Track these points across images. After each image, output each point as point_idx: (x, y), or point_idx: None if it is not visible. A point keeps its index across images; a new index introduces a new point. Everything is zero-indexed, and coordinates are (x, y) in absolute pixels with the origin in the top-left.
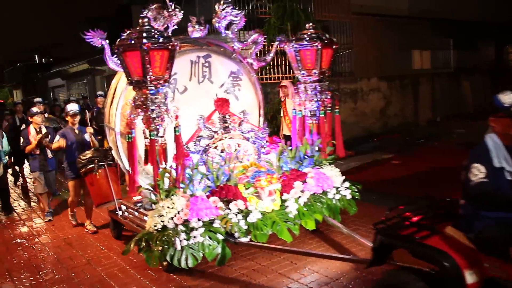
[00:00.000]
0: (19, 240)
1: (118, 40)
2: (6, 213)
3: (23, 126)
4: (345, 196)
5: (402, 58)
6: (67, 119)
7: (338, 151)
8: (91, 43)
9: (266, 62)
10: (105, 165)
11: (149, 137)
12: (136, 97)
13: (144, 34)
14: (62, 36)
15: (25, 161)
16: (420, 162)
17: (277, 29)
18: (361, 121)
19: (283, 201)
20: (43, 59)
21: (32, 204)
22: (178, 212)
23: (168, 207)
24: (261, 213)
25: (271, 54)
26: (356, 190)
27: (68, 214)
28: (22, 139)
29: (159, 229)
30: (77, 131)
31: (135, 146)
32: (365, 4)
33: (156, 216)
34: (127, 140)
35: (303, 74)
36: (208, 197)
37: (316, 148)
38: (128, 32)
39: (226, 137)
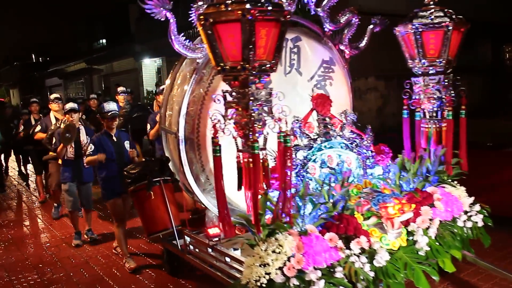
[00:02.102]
0: (16, 240)
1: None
2: None
3: (38, 127)
4: (477, 222)
5: (400, 57)
6: (102, 122)
7: (464, 163)
8: (151, 14)
9: (360, 50)
10: (161, 181)
11: (249, 150)
12: (229, 92)
13: None
14: (59, 35)
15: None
16: None
17: None
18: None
19: (408, 233)
20: (40, 58)
21: (32, 201)
22: (289, 259)
23: (274, 252)
24: (388, 252)
25: (365, 40)
26: (486, 214)
27: (113, 248)
28: (54, 139)
29: (264, 285)
30: (115, 138)
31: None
32: (363, 3)
33: (258, 266)
34: (215, 154)
35: (423, 64)
36: (321, 233)
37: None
38: None
39: (325, 147)
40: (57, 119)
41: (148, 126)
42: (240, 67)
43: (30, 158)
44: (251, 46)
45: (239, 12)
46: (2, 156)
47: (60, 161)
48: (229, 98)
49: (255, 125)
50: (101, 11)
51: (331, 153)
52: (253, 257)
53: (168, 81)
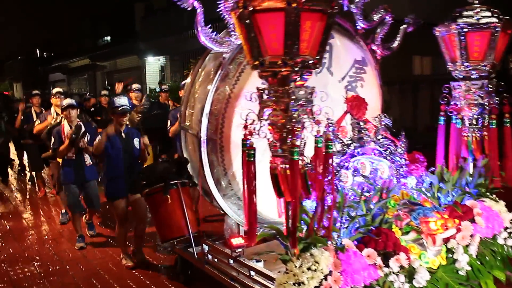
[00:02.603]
0: (15, 232)
1: None
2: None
3: (37, 122)
4: None
5: (403, 63)
6: (112, 117)
7: (508, 176)
8: (178, 3)
9: (392, 50)
10: (179, 184)
11: (287, 155)
12: (266, 89)
13: None
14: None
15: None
16: None
17: None
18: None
19: (447, 250)
20: (44, 54)
21: (32, 194)
22: (325, 278)
23: (310, 269)
24: (428, 271)
25: (398, 41)
26: None
27: (121, 254)
28: (53, 140)
29: None
30: (123, 135)
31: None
32: (366, 8)
33: (292, 284)
34: (249, 159)
35: (466, 67)
36: (358, 248)
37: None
38: None
39: (358, 153)
40: (57, 114)
41: (169, 123)
42: (281, 62)
43: (27, 153)
44: (294, 39)
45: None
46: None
47: (59, 160)
48: (265, 97)
49: (295, 128)
50: (107, 9)
51: (364, 160)
52: (285, 275)
53: (189, 78)
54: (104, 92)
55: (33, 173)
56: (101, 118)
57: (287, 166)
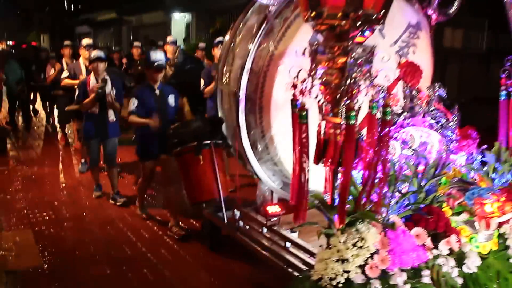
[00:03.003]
0: (36, 178)
1: None
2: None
3: (65, 73)
4: None
5: (434, 34)
6: (146, 72)
7: None
8: None
9: (449, 16)
10: (212, 145)
11: (343, 120)
12: (321, 45)
13: None
14: None
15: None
16: None
17: None
18: None
19: (499, 235)
20: (72, 6)
21: (55, 144)
22: (371, 256)
23: (355, 246)
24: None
25: (456, 6)
26: None
27: (137, 203)
28: (77, 91)
29: (340, 284)
30: (157, 92)
31: (306, 132)
32: None
33: (334, 261)
34: (301, 121)
35: None
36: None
37: None
38: None
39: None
40: (87, 68)
41: (202, 82)
42: (341, 14)
43: (56, 105)
44: None
45: None
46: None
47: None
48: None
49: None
50: None
51: (413, 132)
52: (328, 250)
53: (227, 35)
54: (136, 43)
55: (59, 125)
56: (131, 72)
57: (338, 131)
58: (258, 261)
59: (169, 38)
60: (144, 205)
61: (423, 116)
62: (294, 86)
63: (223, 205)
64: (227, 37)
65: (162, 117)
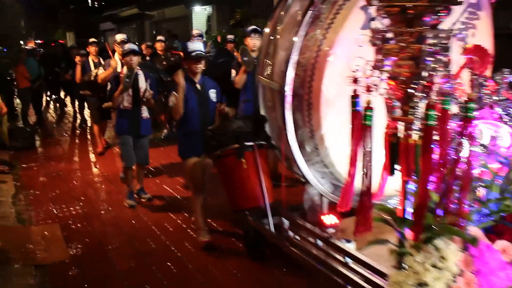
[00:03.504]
0: (64, 173)
1: None
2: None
3: (100, 70)
4: None
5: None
6: (184, 64)
7: None
8: None
9: None
10: (255, 146)
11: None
12: (389, 31)
13: None
14: None
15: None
16: None
17: None
18: None
19: None
20: (95, 3)
21: (82, 141)
22: (454, 279)
23: (435, 267)
24: None
25: None
26: None
27: (197, 225)
28: (109, 85)
29: None
30: (199, 86)
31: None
32: None
33: (410, 285)
34: (365, 122)
35: None
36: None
37: None
38: None
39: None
40: (122, 64)
41: (233, 72)
42: None
43: (87, 105)
44: None
45: None
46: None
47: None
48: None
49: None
50: None
51: (481, 125)
52: (403, 272)
53: (267, 27)
54: (159, 37)
55: (90, 125)
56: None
57: (410, 132)
58: (306, 273)
59: (195, 32)
60: (206, 228)
61: (491, 108)
62: (355, 80)
63: (269, 213)
64: (266, 29)
65: (203, 112)
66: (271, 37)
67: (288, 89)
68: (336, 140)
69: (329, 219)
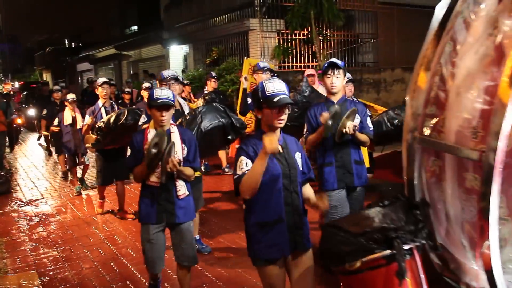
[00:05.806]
0: (40, 217)
1: None
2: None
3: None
4: None
5: None
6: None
7: None
8: None
9: None
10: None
11: None
12: None
13: None
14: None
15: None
16: None
17: (300, 17)
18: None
19: None
20: (73, 44)
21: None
22: None
23: None
24: None
25: None
26: None
27: None
28: (128, 151)
29: None
30: (281, 148)
31: None
32: None
33: None
34: None
35: None
36: None
37: None
38: None
39: None
40: (106, 108)
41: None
42: None
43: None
44: None
45: None
46: None
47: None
48: None
49: None
50: None
51: None
52: None
53: (427, 42)
54: (145, 84)
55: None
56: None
57: None
58: None
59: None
60: None
61: None
62: None
63: None
64: (425, 44)
65: (290, 188)
66: (431, 67)
67: (499, 157)
68: None
69: None
